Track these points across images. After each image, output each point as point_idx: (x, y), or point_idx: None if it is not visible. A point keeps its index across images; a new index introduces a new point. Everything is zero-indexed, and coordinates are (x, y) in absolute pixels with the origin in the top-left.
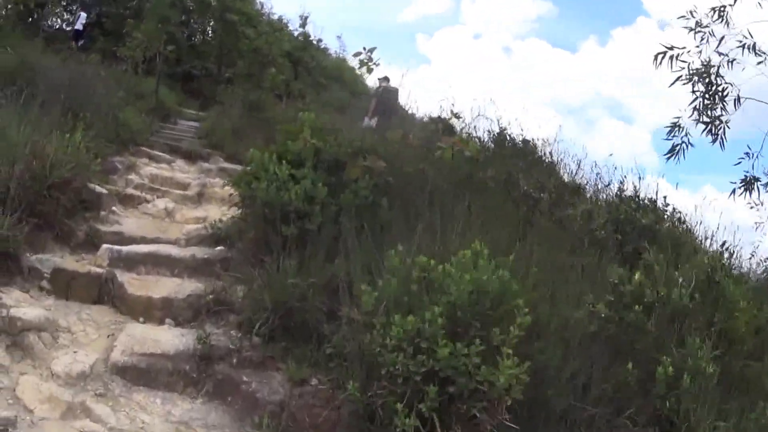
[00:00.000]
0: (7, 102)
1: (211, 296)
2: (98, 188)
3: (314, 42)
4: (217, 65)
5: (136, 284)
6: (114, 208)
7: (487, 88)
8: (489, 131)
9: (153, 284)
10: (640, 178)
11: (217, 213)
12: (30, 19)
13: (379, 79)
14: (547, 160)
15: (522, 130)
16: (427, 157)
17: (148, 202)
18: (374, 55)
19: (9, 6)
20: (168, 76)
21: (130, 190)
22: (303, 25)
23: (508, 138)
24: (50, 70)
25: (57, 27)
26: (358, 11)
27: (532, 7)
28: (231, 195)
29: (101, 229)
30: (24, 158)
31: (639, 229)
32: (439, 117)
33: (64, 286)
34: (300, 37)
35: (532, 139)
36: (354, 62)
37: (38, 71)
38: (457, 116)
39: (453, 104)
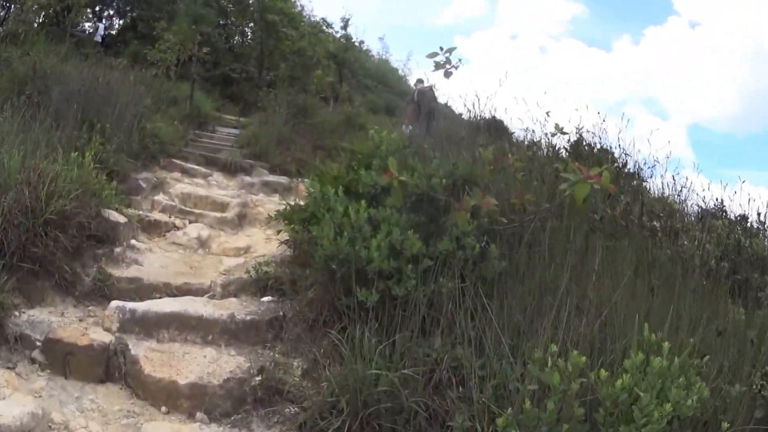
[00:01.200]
0: (12, 114)
1: (258, 378)
2: (114, 216)
3: (356, 44)
4: (258, 68)
5: (155, 359)
6: (133, 241)
7: (526, 87)
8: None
9: (178, 360)
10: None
11: (261, 238)
12: (59, 24)
13: (414, 84)
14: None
15: (595, 134)
16: (541, 188)
17: (177, 228)
18: (453, 57)
19: (34, 9)
20: (205, 80)
21: (156, 215)
22: (345, 26)
23: (586, 146)
24: (67, 77)
25: (88, 32)
26: (397, 14)
27: (565, 8)
28: (280, 235)
29: (114, 274)
30: (16, 187)
31: (749, 258)
32: (493, 117)
33: (61, 358)
34: (342, 39)
35: (610, 147)
36: (398, 63)
37: (53, 78)
38: (562, 131)
39: (548, 113)
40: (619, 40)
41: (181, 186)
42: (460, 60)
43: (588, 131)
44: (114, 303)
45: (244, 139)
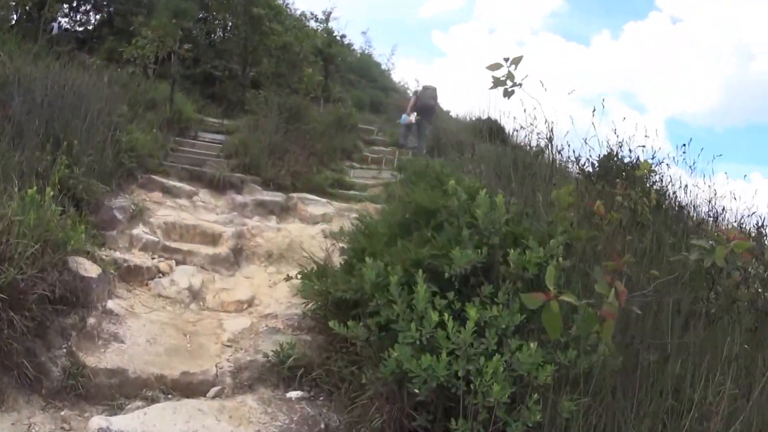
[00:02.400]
0: None
1: None
2: (85, 266)
3: (339, 38)
4: (242, 65)
5: None
6: (110, 303)
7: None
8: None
9: None
10: None
11: (264, 281)
12: (33, 21)
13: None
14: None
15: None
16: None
17: (163, 274)
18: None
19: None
20: (185, 78)
21: (136, 256)
22: (326, 20)
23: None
24: (32, 82)
25: (65, 28)
26: (377, 8)
27: (544, 2)
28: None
29: (89, 364)
30: None
31: None
32: (489, 118)
33: None
34: (324, 33)
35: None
36: (381, 58)
37: (15, 84)
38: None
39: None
40: (599, 34)
41: (164, 213)
42: (526, 76)
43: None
44: (95, 421)
45: (230, 148)
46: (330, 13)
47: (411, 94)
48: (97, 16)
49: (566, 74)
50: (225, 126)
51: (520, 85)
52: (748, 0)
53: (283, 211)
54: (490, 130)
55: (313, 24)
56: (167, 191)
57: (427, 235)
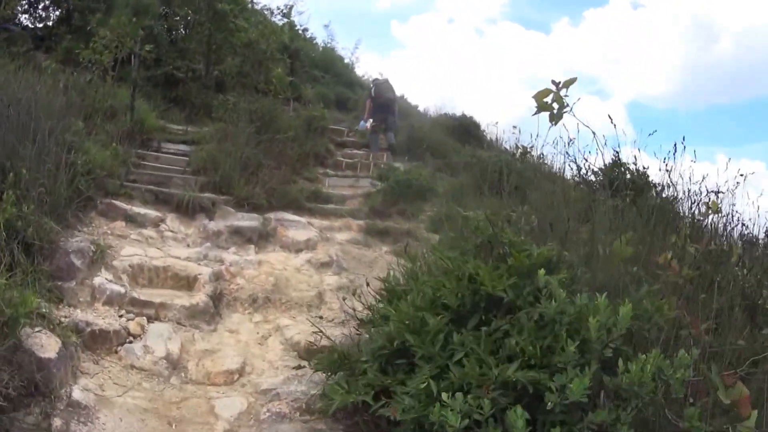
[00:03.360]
0: None
1: None
2: (41, 343)
3: (300, 32)
4: (205, 65)
5: None
6: (76, 391)
7: (463, 70)
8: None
9: None
10: None
11: (252, 338)
12: None
13: (372, 81)
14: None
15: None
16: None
17: (133, 337)
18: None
19: None
20: (146, 80)
21: (100, 314)
22: (288, 14)
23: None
24: None
25: (24, 26)
26: (336, 0)
27: None
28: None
29: None
30: None
31: None
32: (464, 116)
33: None
34: (287, 28)
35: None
36: (344, 52)
37: None
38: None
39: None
40: (559, 22)
41: (129, 252)
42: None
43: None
44: None
45: (198, 162)
46: (292, 6)
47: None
48: (57, 12)
49: (526, 62)
50: (190, 134)
51: (570, 109)
52: None
53: (262, 239)
54: (465, 129)
55: (275, 19)
56: (131, 220)
57: (499, 336)
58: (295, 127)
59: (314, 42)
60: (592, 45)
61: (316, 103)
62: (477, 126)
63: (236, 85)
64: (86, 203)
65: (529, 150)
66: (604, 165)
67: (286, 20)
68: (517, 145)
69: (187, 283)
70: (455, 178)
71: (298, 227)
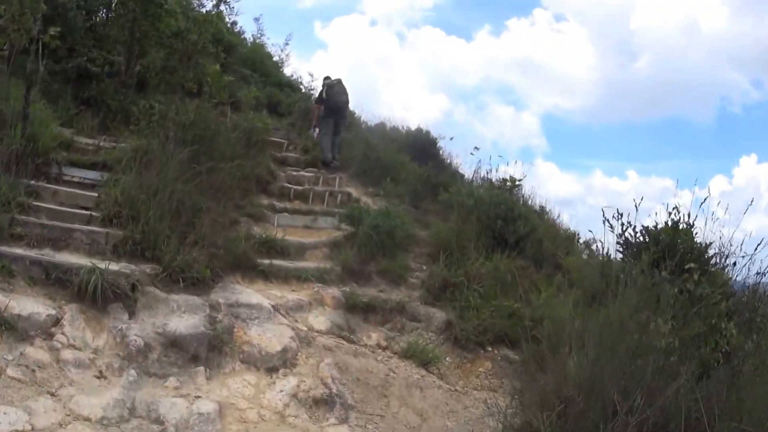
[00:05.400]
0: None
1: None
2: None
3: (230, 25)
4: (126, 57)
5: None
6: None
7: (382, 74)
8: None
9: None
10: None
11: None
12: None
13: (323, 81)
14: None
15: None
16: None
17: None
18: None
19: None
20: (53, 74)
21: None
22: (218, 4)
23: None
24: None
25: None
26: None
27: None
28: None
29: None
30: None
31: None
32: (420, 130)
33: None
34: (215, 17)
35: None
36: (273, 48)
37: None
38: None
39: None
40: (481, 29)
41: None
42: None
43: None
44: None
45: (111, 205)
46: None
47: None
48: None
49: (443, 68)
50: (102, 152)
51: None
52: (633, 1)
53: (214, 351)
54: (421, 146)
55: (203, 9)
56: (9, 326)
57: None
58: (234, 143)
59: (243, 37)
60: (511, 54)
61: (254, 109)
62: (434, 143)
63: (161, 82)
64: None
65: (518, 182)
66: (655, 227)
67: (216, 10)
68: (506, 178)
69: None
70: (441, 222)
71: (262, 317)
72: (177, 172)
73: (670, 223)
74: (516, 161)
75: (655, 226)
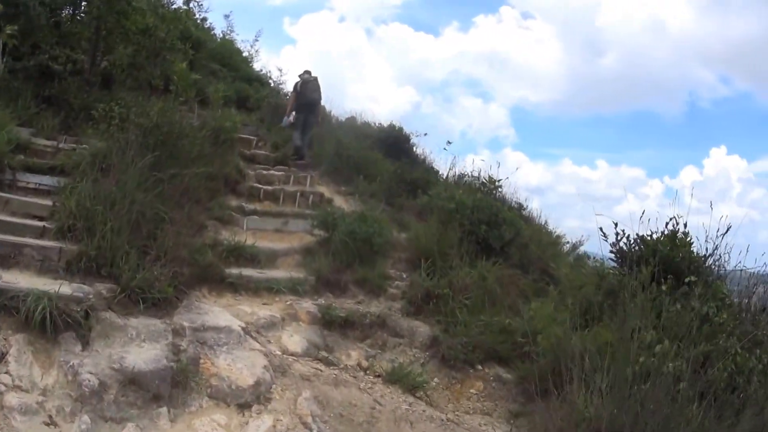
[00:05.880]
0: None
1: None
2: None
3: (200, 21)
4: (91, 55)
5: None
6: None
7: (351, 68)
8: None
9: None
10: None
11: None
12: None
13: (299, 75)
14: None
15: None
16: None
17: None
18: None
19: None
20: (12, 73)
21: None
22: (186, 2)
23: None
24: None
25: None
26: None
27: None
28: None
29: None
30: None
31: None
32: (393, 126)
33: None
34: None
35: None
36: (243, 44)
37: None
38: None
39: None
40: (449, 25)
41: None
42: None
43: None
44: None
45: (65, 216)
46: None
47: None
48: None
49: (411, 62)
50: (61, 155)
51: None
52: (598, 1)
53: (178, 388)
54: (394, 142)
55: (172, 6)
56: None
57: None
58: (202, 143)
59: (213, 33)
60: (479, 49)
61: (222, 106)
62: (407, 139)
63: (127, 79)
64: None
65: (497, 182)
66: (651, 236)
67: (185, 7)
68: (487, 178)
69: None
70: (419, 223)
71: (232, 343)
72: (138, 180)
73: (667, 233)
74: (485, 151)
75: (651, 235)
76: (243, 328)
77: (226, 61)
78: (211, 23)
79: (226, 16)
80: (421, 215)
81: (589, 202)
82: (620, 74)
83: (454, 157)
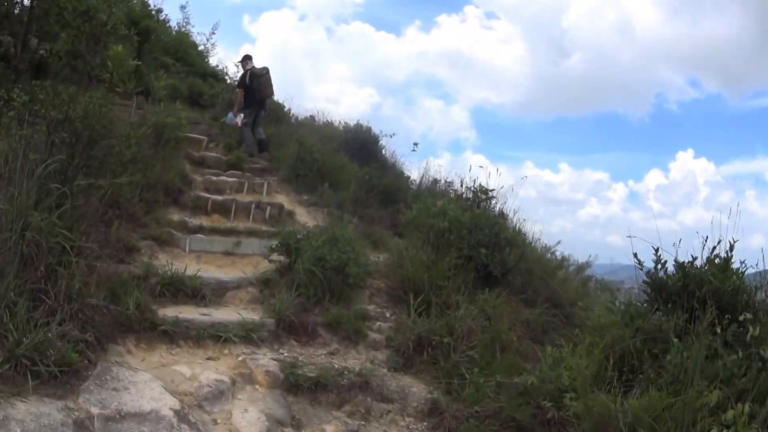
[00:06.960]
0: None
1: None
2: None
3: (154, 12)
4: (22, 39)
5: None
6: None
7: (310, 67)
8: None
9: None
10: None
11: None
12: None
13: (240, 62)
14: None
15: None
16: None
17: None
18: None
19: None
20: None
21: None
22: None
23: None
24: None
25: None
26: None
27: None
28: None
29: None
30: None
31: None
32: (360, 126)
33: None
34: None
35: None
36: (199, 37)
37: None
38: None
39: None
40: (411, 25)
41: None
42: None
43: None
44: None
45: None
46: None
47: (236, 84)
48: None
49: (372, 62)
50: None
51: None
52: (565, 1)
53: None
54: (362, 144)
55: None
56: None
57: None
58: (139, 143)
59: (168, 24)
60: (441, 49)
61: (169, 101)
62: (375, 140)
63: (64, 69)
64: None
65: (490, 192)
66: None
67: None
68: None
69: None
70: (398, 241)
71: None
72: (36, 195)
73: (715, 260)
74: (446, 153)
75: (691, 262)
76: (176, 412)
77: (180, 55)
78: (166, 15)
79: (183, 8)
80: (394, 228)
81: (550, 206)
82: (586, 76)
83: (427, 161)
